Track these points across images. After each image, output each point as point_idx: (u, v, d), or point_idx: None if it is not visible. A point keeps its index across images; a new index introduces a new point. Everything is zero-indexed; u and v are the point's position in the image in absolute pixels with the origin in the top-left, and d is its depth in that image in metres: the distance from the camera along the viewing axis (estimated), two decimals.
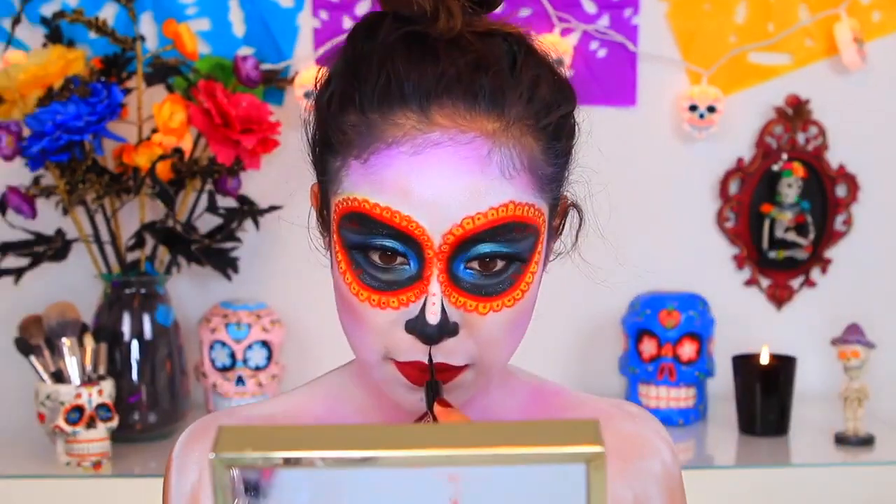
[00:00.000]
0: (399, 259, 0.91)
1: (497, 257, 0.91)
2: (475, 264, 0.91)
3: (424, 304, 0.90)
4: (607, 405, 1.07)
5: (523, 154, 0.92)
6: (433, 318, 0.90)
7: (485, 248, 0.90)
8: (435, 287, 0.90)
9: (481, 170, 0.89)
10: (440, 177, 0.89)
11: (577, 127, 0.99)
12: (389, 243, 0.90)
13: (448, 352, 0.92)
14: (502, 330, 0.93)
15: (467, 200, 0.89)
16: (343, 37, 1.00)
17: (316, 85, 0.98)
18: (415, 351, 0.91)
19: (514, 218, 0.91)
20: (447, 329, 0.90)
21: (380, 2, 0.95)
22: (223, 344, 2.13)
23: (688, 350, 2.16)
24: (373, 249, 0.91)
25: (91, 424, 1.91)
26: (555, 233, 1.01)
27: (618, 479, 1.02)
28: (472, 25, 0.94)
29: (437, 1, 0.92)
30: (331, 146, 0.94)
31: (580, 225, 1.03)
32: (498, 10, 0.97)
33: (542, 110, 0.93)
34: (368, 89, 0.91)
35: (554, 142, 0.94)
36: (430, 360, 0.92)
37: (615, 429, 1.05)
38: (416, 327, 0.90)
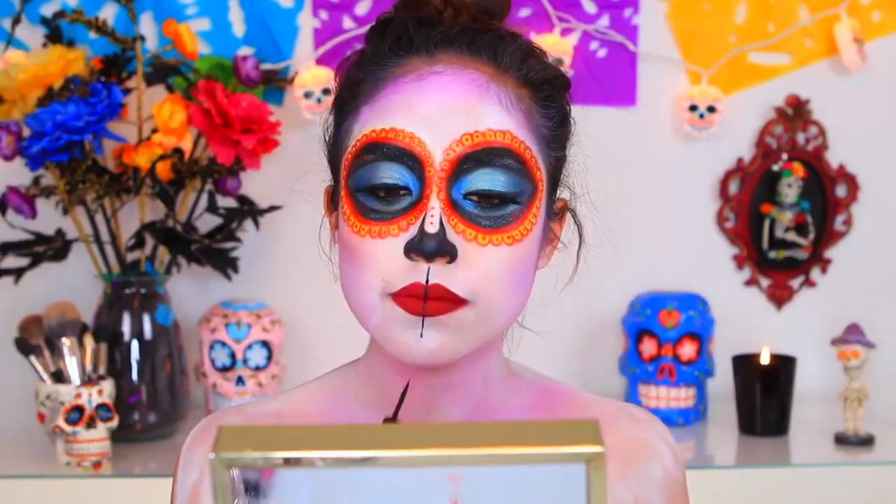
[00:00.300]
0: (401, 192, 0.94)
1: (495, 196, 0.95)
2: (475, 197, 0.94)
3: (423, 221, 0.93)
4: (614, 408, 1.08)
5: (520, 100, 0.98)
6: (431, 227, 0.92)
7: (483, 177, 0.94)
8: (434, 202, 0.93)
9: (480, 94, 0.96)
10: (442, 96, 0.95)
11: (570, 115, 1.04)
12: (394, 170, 0.94)
13: (446, 276, 0.93)
14: (501, 268, 0.95)
15: (467, 118, 0.95)
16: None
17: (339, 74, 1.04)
18: (413, 275, 0.93)
19: (511, 147, 0.95)
20: (446, 246, 0.92)
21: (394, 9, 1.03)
22: (223, 344, 2.13)
23: (688, 350, 2.16)
24: (376, 188, 0.95)
25: (91, 424, 1.91)
26: (552, 230, 1.03)
27: (618, 480, 1.03)
28: (476, 22, 1.02)
29: (446, 2, 1.01)
30: (344, 109, 1.00)
31: (580, 245, 1.07)
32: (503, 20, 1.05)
33: (535, 68, 1.00)
34: (383, 44, 0.99)
35: (547, 103, 1.00)
36: (427, 282, 0.93)
37: (618, 431, 1.05)
38: (414, 243, 0.93)
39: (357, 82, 1.00)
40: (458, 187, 0.94)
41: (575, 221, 1.07)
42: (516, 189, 0.95)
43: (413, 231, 0.93)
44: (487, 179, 0.94)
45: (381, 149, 0.95)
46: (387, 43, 0.99)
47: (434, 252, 0.92)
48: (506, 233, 0.95)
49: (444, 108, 0.95)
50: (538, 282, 1.02)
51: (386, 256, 0.94)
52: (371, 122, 0.96)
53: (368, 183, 0.95)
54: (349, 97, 1.00)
